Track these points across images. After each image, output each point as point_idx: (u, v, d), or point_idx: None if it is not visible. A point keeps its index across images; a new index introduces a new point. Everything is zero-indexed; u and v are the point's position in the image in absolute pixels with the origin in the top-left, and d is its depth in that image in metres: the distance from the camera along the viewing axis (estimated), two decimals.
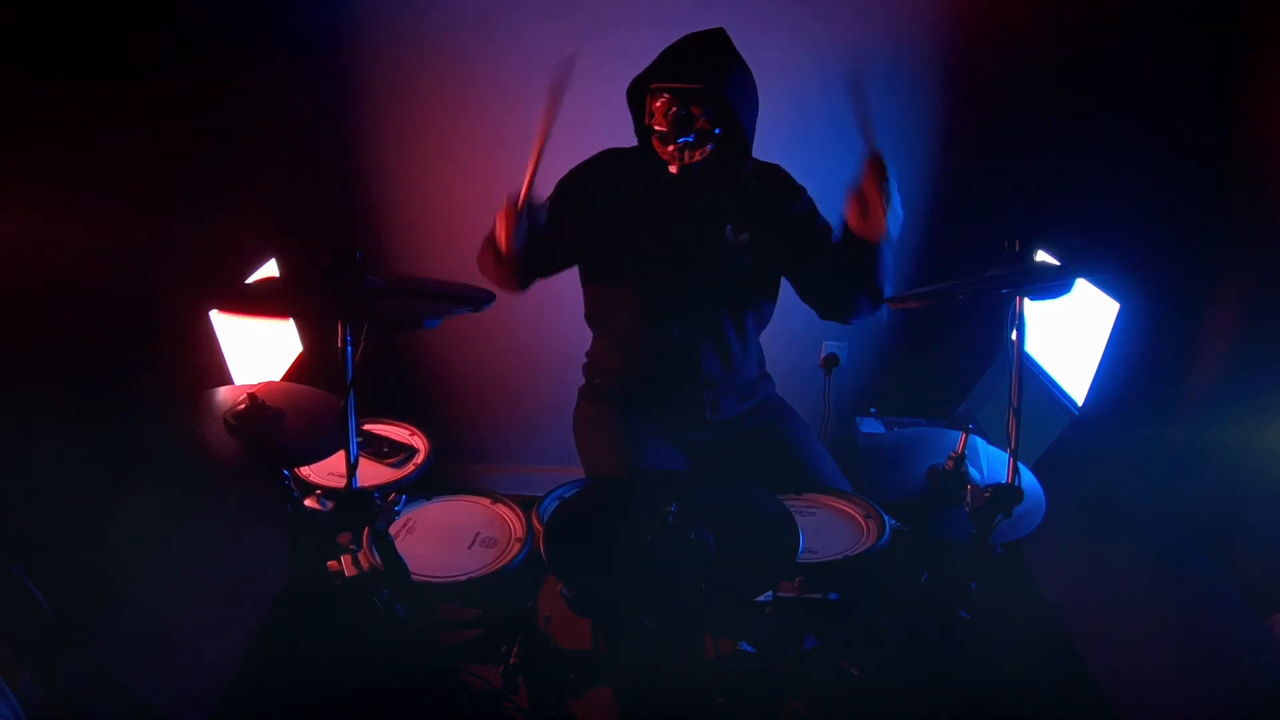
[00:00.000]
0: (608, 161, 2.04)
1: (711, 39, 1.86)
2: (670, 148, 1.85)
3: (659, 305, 2.03)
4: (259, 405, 1.65)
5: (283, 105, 2.73)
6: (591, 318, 2.19)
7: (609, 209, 2.00)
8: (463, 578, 1.67)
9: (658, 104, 1.84)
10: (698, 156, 1.86)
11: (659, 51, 1.87)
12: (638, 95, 1.92)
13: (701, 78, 1.80)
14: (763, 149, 1.96)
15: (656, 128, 1.85)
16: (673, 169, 1.89)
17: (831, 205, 2.83)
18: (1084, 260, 2.44)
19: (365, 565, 1.63)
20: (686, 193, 1.96)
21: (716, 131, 1.85)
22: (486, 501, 1.92)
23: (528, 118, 2.79)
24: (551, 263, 2.04)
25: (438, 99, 2.77)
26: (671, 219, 1.98)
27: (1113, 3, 2.54)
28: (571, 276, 2.13)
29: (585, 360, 2.25)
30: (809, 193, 2.05)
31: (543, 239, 1.87)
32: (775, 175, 2.05)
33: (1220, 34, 2.43)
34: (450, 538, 1.81)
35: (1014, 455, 1.51)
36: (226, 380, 2.23)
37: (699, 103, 1.82)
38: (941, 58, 2.70)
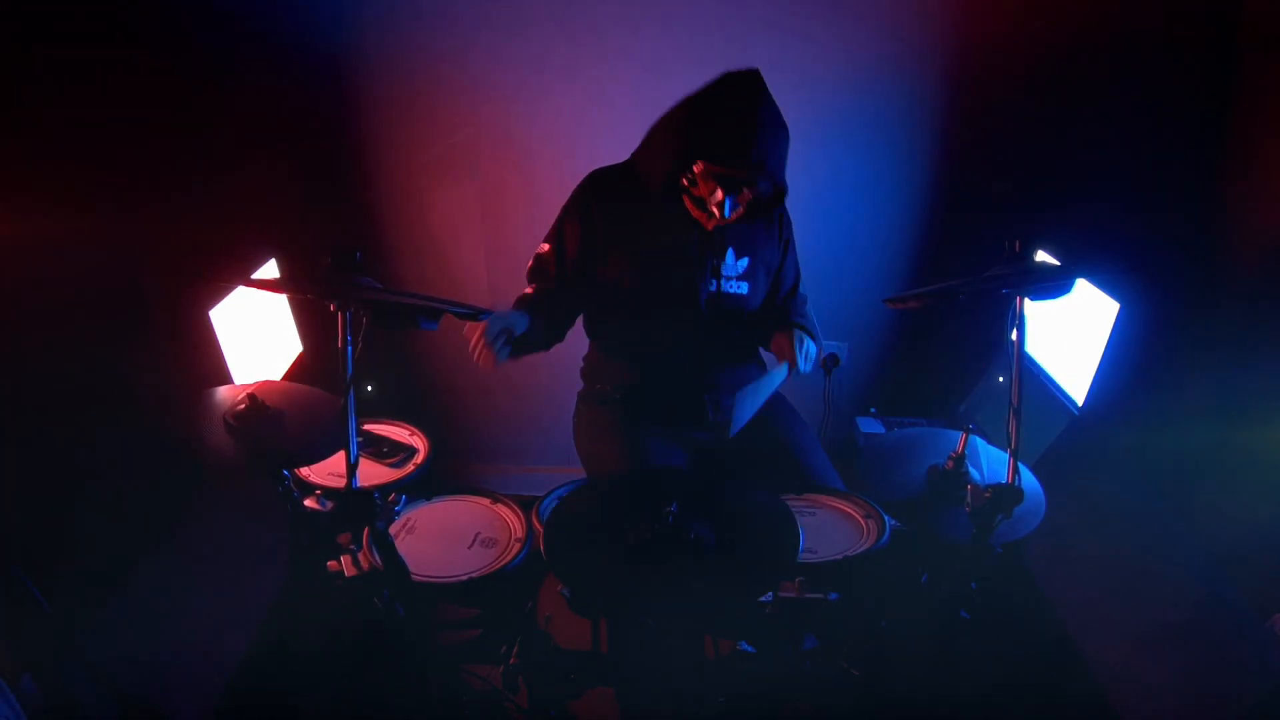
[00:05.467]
0: (600, 183, 2.00)
1: (754, 98, 1.77)
2: (705, 213, 1.85)
3: (666, 320, 2.02)
4: (259, 405, 1.65)
5: (283, 106, 2.72)
6: (591, 329, 2.18)
7: (612, 230, 1.98)
8: (463, 578, 1.67)
9: (704, 183, 1.81)
10: (733, 218, 1.86)
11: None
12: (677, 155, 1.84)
13: (753, 164, 1.76)
14: None
15: (698, 195, 1.84)
16: (707, 226, 1.89)
17: (827, 206, 2.85)
18: (1084, 260, 2.44)
19: (365, 565, 1.63)
20: (687, 214, 1.94)
21: (755, 189, 1.86)
22: (486, 501, 1.92)
23: (527, 118, 2.82)
24: (570, 314, 2.06)
25: (437, 100, 2.77)
26: (675, 239, 1.98)
27: (1113, 5, 2.54)
28: None
29: (583, 365, 2.25)
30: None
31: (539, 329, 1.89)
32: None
33: (1218, 36, 2.44)
34: (450, 538, 1.81)
35: (1014, 455, 1.51)
36: (226, 380, 2.23)
37: (749, 184, 1.81)
38: (942, 58, 2.69)
